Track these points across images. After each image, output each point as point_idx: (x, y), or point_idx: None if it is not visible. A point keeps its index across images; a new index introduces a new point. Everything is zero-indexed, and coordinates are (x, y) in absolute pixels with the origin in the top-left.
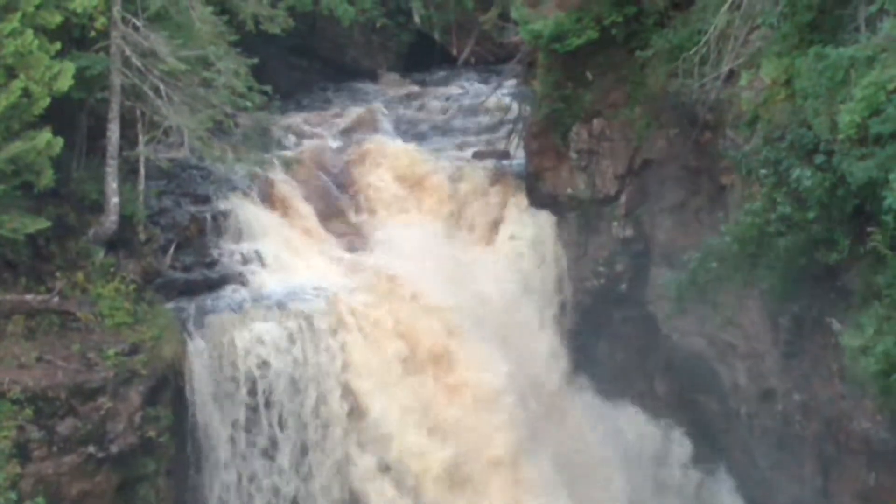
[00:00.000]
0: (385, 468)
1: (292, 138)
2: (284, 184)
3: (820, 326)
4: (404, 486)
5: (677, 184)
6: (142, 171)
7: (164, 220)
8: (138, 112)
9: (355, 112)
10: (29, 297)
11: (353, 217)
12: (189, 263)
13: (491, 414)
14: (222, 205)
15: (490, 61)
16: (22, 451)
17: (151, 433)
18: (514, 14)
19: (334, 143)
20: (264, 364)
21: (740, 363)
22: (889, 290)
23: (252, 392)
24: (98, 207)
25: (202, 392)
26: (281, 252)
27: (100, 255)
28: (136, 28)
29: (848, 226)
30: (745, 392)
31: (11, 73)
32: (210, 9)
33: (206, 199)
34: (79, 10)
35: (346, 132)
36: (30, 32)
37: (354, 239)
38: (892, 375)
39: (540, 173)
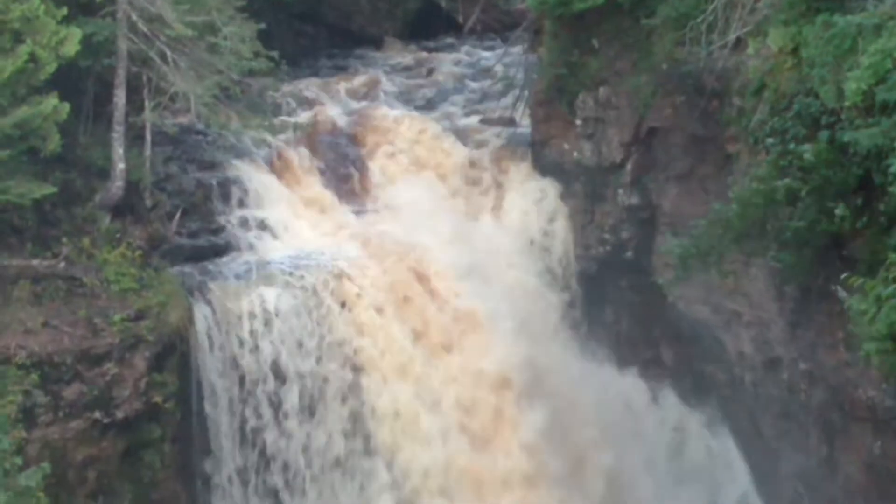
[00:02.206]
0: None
1: (299, 105)
2: (291, 150)
3: (825, 294)
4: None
5: (683, 152)
6: (148, 137)
7: (170, 187)
8: (144, 78)
9: (362, 79)
10: (35, 262)
11: (359, 184)
12: (195, 230)
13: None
14: (229, 171)
15: (496, 29)
16: (28, 417)
17: (157, 399)
18: None
19: (341, 110)
20: (270, 330)
21: (745, 331)
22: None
23: (258, 358)
24: (104, 173)
25: (208, 358)
26: (287, 218)
27: (106, 220)
28: None
29: (853, 196)
30: (751, 360)
31: (18, 38)
32: None
33: (212, 166)
34: None
35: (353, 99)
36: None
37: (360, 205)
38: None
39: (546, 141)
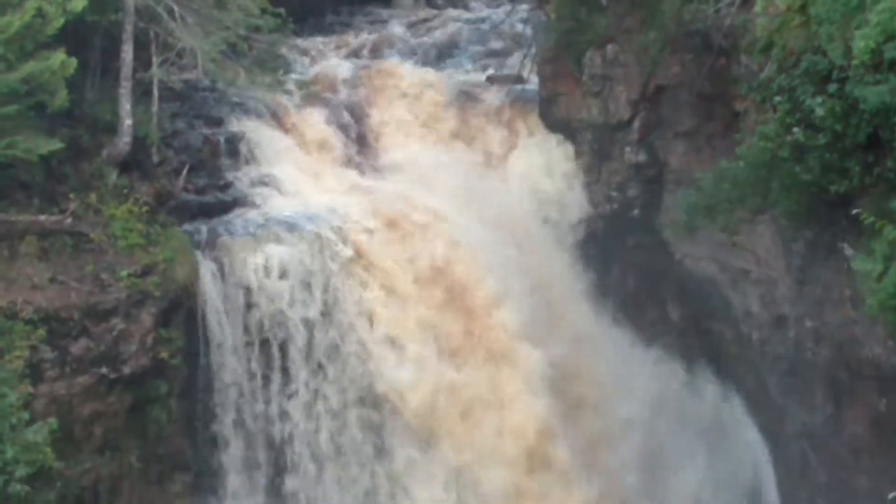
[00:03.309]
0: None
1: (306, 61)
2: (298, 107)
3: (832, 252)
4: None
5: (691, 110)
6: (155, 92)
7: (177, 143)
8: (152, 33)
9: (369, 36)
10: (42, 217)
11: (366, 140)
12: (202, 186)
13: (501, 325)
14: (236, 128)
15: None
16: (35, 372)
17: (164, 355)
18: None
19: (348, 67)
20: (276, 286)
21: (753, 289)
22: None
23: (263, 314)
24: (111, 129)
25: (214, 314)
26: (294, 175)
27: (113, 176)
28: None
29: (861, 154)
30: (758, 318)
31: None
32: None
33: (219, 122)
34: None
35: (360, 56)
36: None
37: (368, 162)
38: None
39: (553, 98)
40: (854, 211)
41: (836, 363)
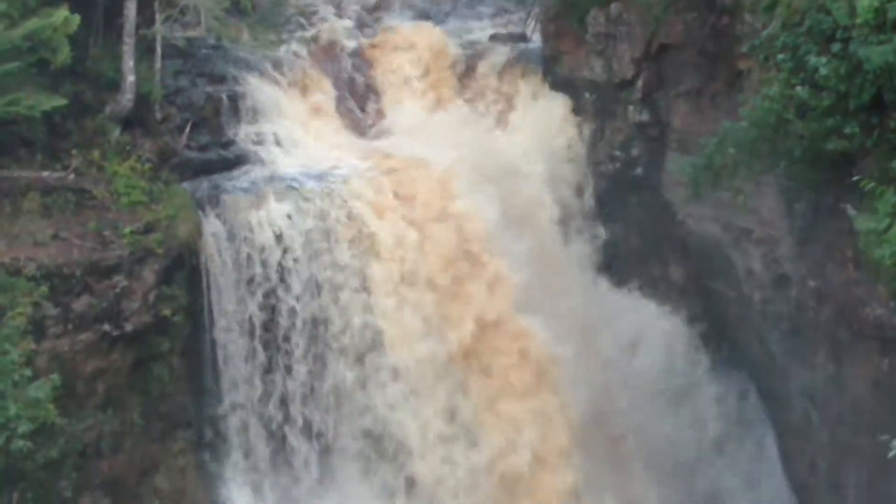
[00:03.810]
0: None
1: (309, 20)
2: (301, 65)
3: (835, 212)
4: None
5: (694, 69)
6: (158, 49)
7: (180, 100)
8: None
9: None
10: (45, 174)
11: (369, 98)
12: (205, 143)
13: (503, 281)
14: (238, 85)
15: None
16: (37, 328)
17: (166, 312)
18: None
19: (352, 25)
20: (279, 244)
21: (755, 249)
22: None
23: (267, 271)
24: (114, 86)
25: (217, 271)
26: (297, 133)
27: (116, 133)
28: None
29: (864, 114)
30: (760, 278)
31: None
32: None
33: (222, 80)
34: None
35: (364, 14)
36: None
37: (370, 120)
38: None
39: (557, 57)
40: (855, 178)
41: (837, 323)
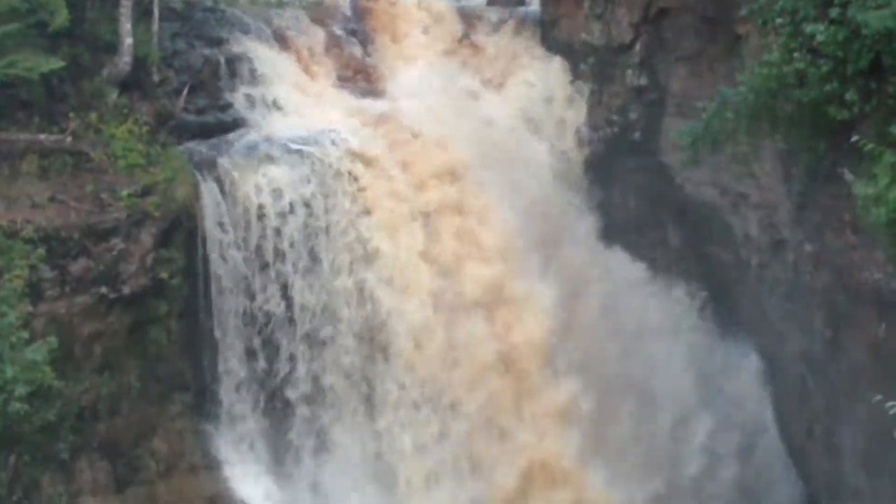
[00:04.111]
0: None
1: None
2: (300, 28)
3: (833, 177)
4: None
5: (693, 33)
6: (155, 12)
7: (177, 63)
8: None
9: None
10: (42, 136)
11: (367, 61)
12: (202, 106)
13: (500, 250)
14: (236, 48)
15: None
16: (34, 291)
17: (163, 275)
18: None
19: None
20: (276, 207)
21: (752, 214)
22: None
23: (264, 234)
24: (112, 48)
25: (214, 234)
26: (294, 96)
27: (113, 95)
28: None
29: (862, 80)
30: (757, 243)
31: None
32: None
33: (219, 42)
34: None
35: None
36: None
37: (368, 83)
38: None
39: (555, 20)
40: (853, 138)
41: (835, 288)
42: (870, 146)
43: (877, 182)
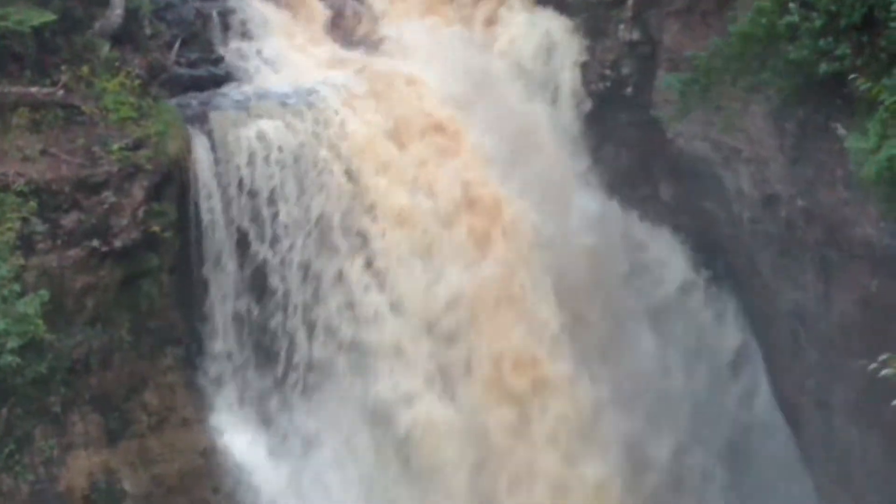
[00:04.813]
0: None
1: None
2: None
3: (825, 131)
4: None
5: None
6: None
7: (169, 16)
8: None
9: None
10: (34, 89)
11: (360, 16)
12: (194, 60)
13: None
14: (228, 1)
15: None
16: (26, 244)
17: (155, 228)
18: None
19: None
20: (269, 160)
21: (744, 168)
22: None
23: (256, 188)
24: (104, 1)
25: (207, 188)
26: (287, 50)
27: (105, 48)
28: None
29: (855, 33)
30: (749, 197)
31: None
32: None
33: None
34: None
35: None
36: None
37: (361, 38)
38: None
39: None
40: (851, 76)
41: (827, 243)
42: (867, 85)
43: (868, 138)
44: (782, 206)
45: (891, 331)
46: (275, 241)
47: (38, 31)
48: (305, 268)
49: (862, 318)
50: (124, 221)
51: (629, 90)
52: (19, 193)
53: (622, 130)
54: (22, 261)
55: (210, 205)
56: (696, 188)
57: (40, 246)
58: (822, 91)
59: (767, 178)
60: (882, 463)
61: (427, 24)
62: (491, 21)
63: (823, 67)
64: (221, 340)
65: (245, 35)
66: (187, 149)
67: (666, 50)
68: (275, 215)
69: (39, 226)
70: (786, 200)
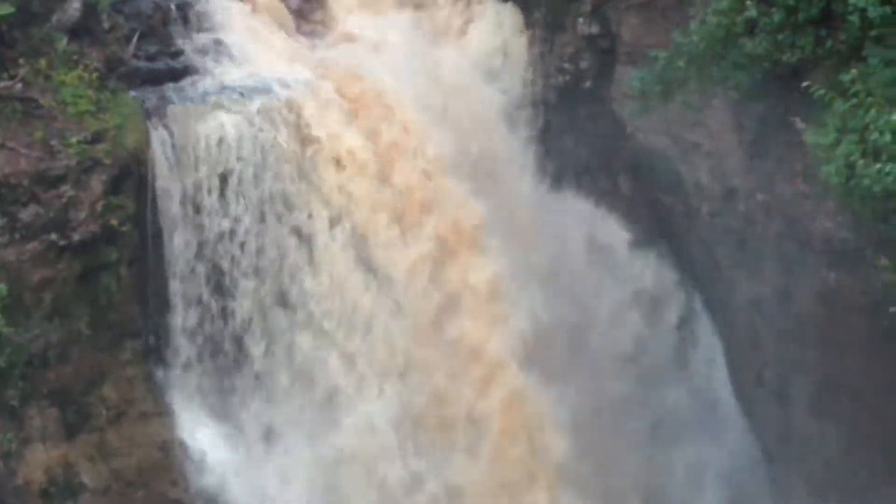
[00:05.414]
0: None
1: None
2: None
3: (784, 126)
4: None
5: None
6: None
7: (127, 9)
8: None
9: None
10: None
11: (321, 9)
12: (153, 53)
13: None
14: None
15: None
16: None
17: (114, 222)
18: None
19: None
20: (227, 154)
21: (703, 162)
22: (852, 88)
23: (214, 182)
24: None
25: (165, 182)
26: (247, 44)
27: (63, 42)
28: None
29: (813, 28)
30: (708, 191)
31: None
32: None
33: None
34: None
35: None
36: None
37: (322, 32)
38: (853, 179)
39: None
40: (804, 84)
41: (785, 236)
42: (821, 91)
43: (828, 130)
44: (741, 200)
45: (848, 323)
46: (233, 234)
47: None
48: (261, 258)
49: (820, 311)
50: (83, 215)
51: (588, 84)
52: None
53: (581, 124)
54: None
55: (168, 198)
56: (655, 182)
57: None
58: (781, 85)
59: (727, 172)
60: (840, 455)
61: (389, 16)
62: (453, 16)
63: (786, 57)
64: (180, 334)
65: (205, 28)
66: (146, 142)
67: (625, 44)
68: (235, 208)
69: None
70: (745, 194)
